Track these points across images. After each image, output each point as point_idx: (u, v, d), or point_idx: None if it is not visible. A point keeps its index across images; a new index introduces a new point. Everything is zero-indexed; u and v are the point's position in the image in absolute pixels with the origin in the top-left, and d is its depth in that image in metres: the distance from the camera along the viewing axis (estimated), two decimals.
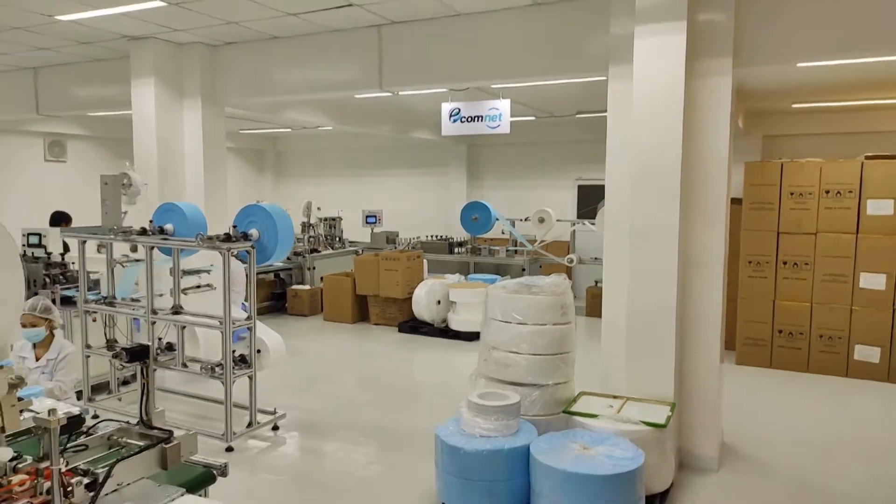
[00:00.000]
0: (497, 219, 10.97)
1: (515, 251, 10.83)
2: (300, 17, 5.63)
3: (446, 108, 7.06)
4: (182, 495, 2.35)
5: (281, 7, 5.36)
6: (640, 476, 3.62)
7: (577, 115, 10.31)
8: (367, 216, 11.82)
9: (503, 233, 11.55)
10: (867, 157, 7.23)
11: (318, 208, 11.57)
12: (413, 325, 9.14)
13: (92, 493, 2.20)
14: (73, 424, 2.36)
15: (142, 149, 6.58)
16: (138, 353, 2.63)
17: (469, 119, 6.94)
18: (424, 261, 10.07)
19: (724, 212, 4.69)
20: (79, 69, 7.59)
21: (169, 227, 5.56)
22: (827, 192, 7.09)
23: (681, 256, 4.57)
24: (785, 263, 7.28)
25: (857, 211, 6.95)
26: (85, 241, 5.71)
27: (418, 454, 4.84)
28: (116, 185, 5.89)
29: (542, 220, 10.61)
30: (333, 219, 11.88)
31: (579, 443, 3.84)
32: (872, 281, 6.89)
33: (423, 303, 8.96)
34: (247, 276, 5.18)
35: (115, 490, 2.32)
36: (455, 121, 7.03)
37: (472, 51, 5.58)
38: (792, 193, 7.21)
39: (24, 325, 4.10)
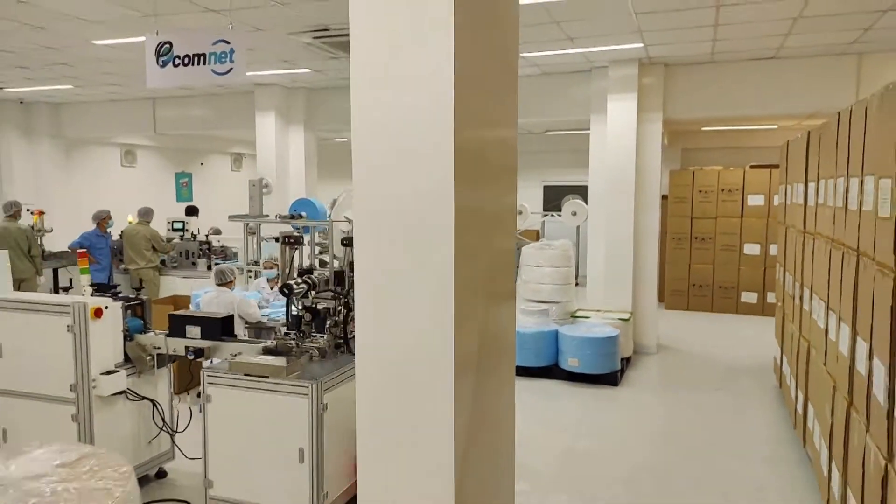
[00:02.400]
0: None
1: None
2: None
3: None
4: None
5: None
6: (617, 341, 6.83)
7: (546, 133, 13.58)
8: None
9: None
10: (750, 167, 10.75)
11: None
12: None
13: None
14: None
15: (264, 161, 9.38)
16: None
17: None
18: None
19: (657, 204, 7.99)
20: (195, 99, 10.28)
21: (304, 213, 8.40)
22: (723, 190, 10.56)
23: (634, 231, 7.82)
24: (696, 238, 10.72)
25: (742, 203, 10.45)
26: (249, 223, 8.48)
27: None
28: (259, 186, 8.68)
29: (520, 213, 13.87)
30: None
31: (584, 327, 7.03)
32: (751, 249, 10.40)
33: None
34: None
35: None
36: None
37: None
38: (700, 191, 10.65)
39: (266, 268, 6.92)
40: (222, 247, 9.20)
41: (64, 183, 11.53)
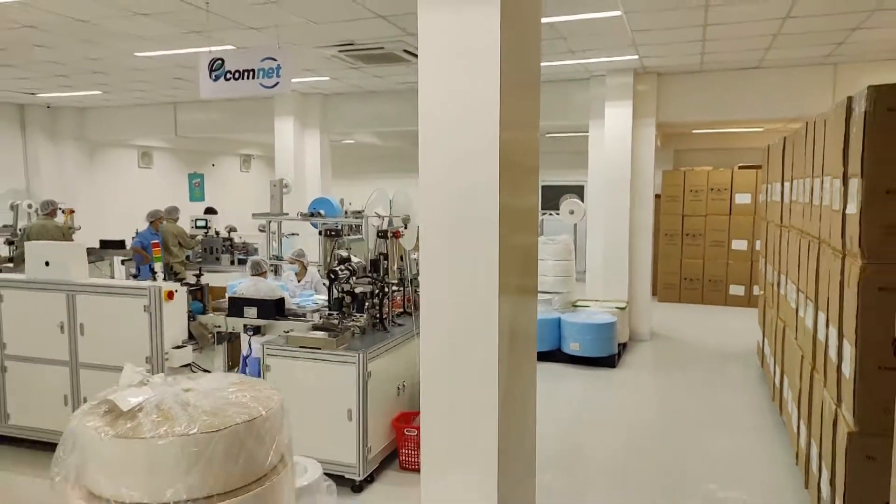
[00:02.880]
0: None
1: None
2: (374, 73, 9.22)
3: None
4: None
5: (387, 76, 8.93)
6: (615, 327, 7.47)
7: (546, 135, 14.21)
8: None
9: None
10: (738, 167, 11.41)
11: (350, 203, 14.98)
12: None
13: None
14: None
15: (282, 163, 9.98)
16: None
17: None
18: None
19: (651, 202, 8.64)
20: (214, 104, 10.86)
21: (322, 211, 9.01)
22: (712, 189, 11.22)
23: (630, 227, 8.46)
24: (687, 235, 11.38)
25: (730, 201, 11.12)
26: (271, 221, 9.07)
27: None
28: (280, 186, 9.27)
29: None
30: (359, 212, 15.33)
31: (584, 314, 7.67)
32: (739, 245, 11.07)
33: None
34: None
35: None
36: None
37: None
38: (691, 190, 11.32)
39: (291, 262, 7.53)
40: (244, 243, 9.79)
41: (87, 183, 12.10)
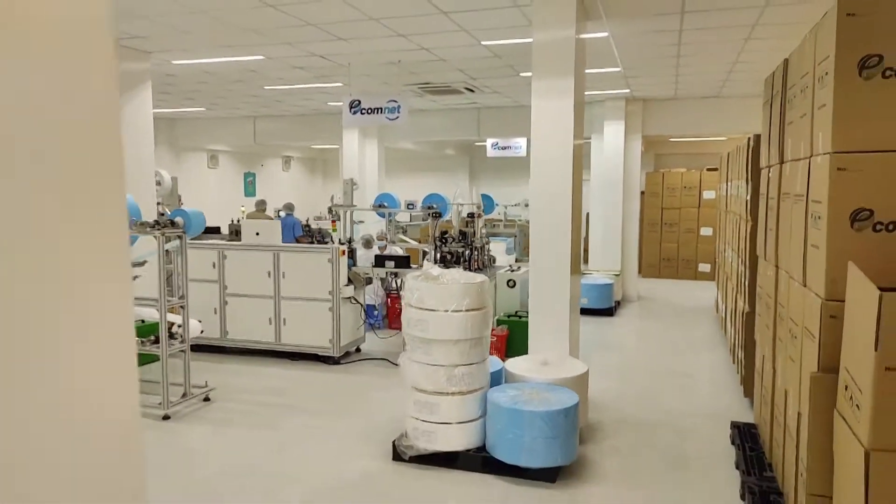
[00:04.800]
0: (497, 204, 17.51)
1: (507, 224, 17.39)
2: (431, 99, 11.94)
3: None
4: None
5: (448, 104, 11.63)
6: (613, 287, 10.27)
7: None
8: (408, 204, 18.01)
9: (497, 214, 18.11)
10: (706, 169, 14.28)
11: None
12: None
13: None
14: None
15: (348, 165, 12.66)
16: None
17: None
18: None
19: (637, 197, 11.47)
20: (286, 119, 13.50)
21: (385, 203, 11.69)
22: (685, 187, 14.09)
23: (622, 216, 11.27)
24: (665, 224, 14.24)
25: (699, 196, 13.99)
26: (346, 211, 11.75)
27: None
28: (350, 184, 11.94)
29: (527, 205, 17.28)
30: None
31: (590, 278, 10.46)
32: (706, 231, 13.94)
33: None
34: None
35: None
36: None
37: (525, 120, 12.06)
38: (668, 188, 14.18)
39: (379, 239, 10.23)
40: (319, 229, 12.44)
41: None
